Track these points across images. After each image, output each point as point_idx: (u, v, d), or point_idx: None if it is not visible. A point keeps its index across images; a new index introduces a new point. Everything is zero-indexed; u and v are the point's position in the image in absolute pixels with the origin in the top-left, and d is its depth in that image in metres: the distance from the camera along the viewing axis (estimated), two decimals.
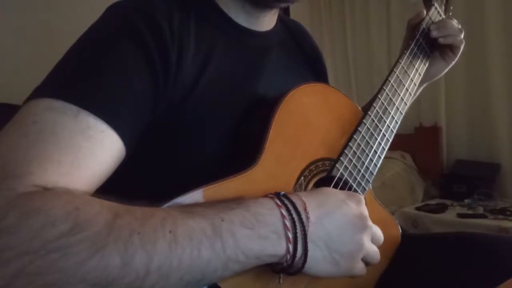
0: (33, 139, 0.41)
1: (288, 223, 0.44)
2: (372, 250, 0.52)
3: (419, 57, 0.73)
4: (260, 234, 0.42)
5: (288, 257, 0.44)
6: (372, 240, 0.52)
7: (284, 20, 0.75)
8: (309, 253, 0.45)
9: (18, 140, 0.41)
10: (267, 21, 0.67)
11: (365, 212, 0.51)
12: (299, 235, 0.44)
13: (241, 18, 0.63)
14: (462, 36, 0.76)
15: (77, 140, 0.43)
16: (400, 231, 0.69)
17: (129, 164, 0.49)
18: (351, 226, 0.49)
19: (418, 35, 0.73)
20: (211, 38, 0.59)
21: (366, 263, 0.52)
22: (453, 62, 0.80)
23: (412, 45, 0.72)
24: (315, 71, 0.78)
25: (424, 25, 0.75)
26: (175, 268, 0.37)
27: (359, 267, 0.50)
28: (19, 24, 1.83)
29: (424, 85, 0.84)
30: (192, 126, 0.55)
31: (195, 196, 0.45)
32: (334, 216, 0.48)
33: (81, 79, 0.47)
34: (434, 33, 0.74)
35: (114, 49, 0.50)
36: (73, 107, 0.44)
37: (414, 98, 0.83)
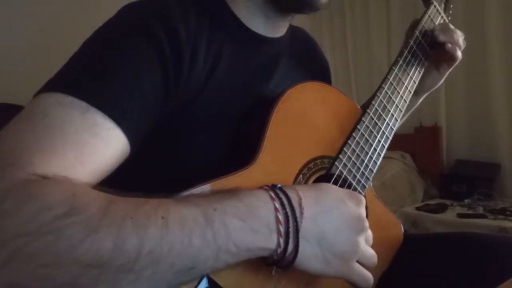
0: (40, 132, 0.42)
1: (281, 217, 0.44)
2: (369, 253, 0.51)
3: (418, 56, 0.72)
4: (252, 226, 0.42)
5: (279, 251, 0.44)
6: (367, 242, 0.52)
7: (293, 28, 0.75)
8: (300, 249, 0.45)
9: (26, 131, 0.42)
10: (281, 27, 0.68)
11: (363, 213, 0.51)
12: (291, 230, 0.44)
13: (256, 22, 0.63)
14: (463, 46, 0.75)
15: (83, 136, 0.44)
16: (403, 230, 0.69)
17: (132, 160, 0.49)
18: (347, 227, 0.49)
19: (417, 33, 0.73)
20: (222, 42, 0.59)
21: (363, 266, 0.51)
22: (446, 73, 0.80)
23: (412, 43, 0.72)
24: (320, 79, 0.78)
25: (423, 23, 0.74)
26: (166, 254, 0.38)
27: (356, 272, 0.50)
28: (19, 25, 1.84)
29: (422, 97, 0.83)
30: (198, 126, 0.56)
31: (204, 190, 0.45)
32: (330, 214, 0.48)
33: (92, 77, 0.48)
34: (441, 38, 0.72)
35: (127, 48, 0.50)
36: (83, 104, 0.45)
37: (413, 109, 0.84)
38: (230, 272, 0.44)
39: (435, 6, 0.77)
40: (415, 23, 0.75)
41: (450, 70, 0.79)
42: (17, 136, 0.42)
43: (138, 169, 0.52)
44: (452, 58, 0.75)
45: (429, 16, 0.75)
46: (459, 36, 0.74)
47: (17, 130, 0.43)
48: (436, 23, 0.77)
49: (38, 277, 0.34)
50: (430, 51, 0.74)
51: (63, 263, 0.35)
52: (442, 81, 0.81)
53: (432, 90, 0.82)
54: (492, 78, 2.45)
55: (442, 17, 0.78)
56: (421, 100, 0.84)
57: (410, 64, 0.71)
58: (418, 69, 0.72)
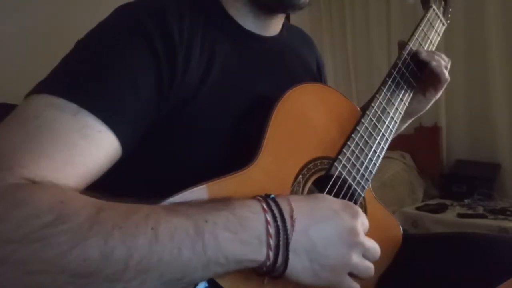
0: (30, 134, 0.42)
1: (271, 230, 0.44)
2: (363, 266, 0.50)
3: (409, 71, 0.71)
4: (241, 239, 0.42)
5: (268, 263, 0.44)
6: (366, 255, 0.51)
7: (290, 27, 0.75)
8: (290, 262, 0.44)
9: (16, 133, 0.42)
10: (274, 26, 0.68)
11: (359, 226, 0.49)
12: (281, 243, 0.44)
13: (248, 22, 0.63)
14: (447, 73, 0.72)
15: (73, 138, 0.44)
16: (402, 231, 0.69)
17: (126, 162, 0.49)
18: (339, 240, 0.48)
19: (416, 36, 0.73)
20: (216, 41, 0.59)
21: (357, 277, 0.50)
22: (433, 99, 0.77)
23: (411, 46, 0.72)
24: (316, 79, 0.78)
25: (422, 26, 0.74)
26: (154, 264, 0.38)
27: (345, 284, 0.49)
28: (19, 25, 1.83)
29: (408, 121, 0.81)
30: (195, 127, 0.55)
31: (199, 191, 0.45)
32: (322, 227, 0.47)
33: (85, 78, 0.48)
34: (424, 55, 0.70)
35: (121, 49, 0.50)
36: (74, 106, 0.45)
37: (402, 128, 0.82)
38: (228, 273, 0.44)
39: (434, 10, 0.77)
40: (403, 44, 0.73)
41: (437, 96, 0.76)
42: (7, 138, 0.42)
43: (133, 171, 0.52)
44: (438, 80, 0.72)
45: (428, 19, 0.75)
46: (445, 60, 0.72)
47: (7, 132, 0.43)
48: (435, 26, 0.77)
49: (25, 284, 0.35)
50: (419, 73, 0.72)
51: (51, 271, 0.35)
52: (428, 107, 0.79)
53: (416, 116, 0.80)
54: (492, 78, 2.44)
55: (441, 20, 0.78)
56: (406, 125, 0.82)
57: (413, 61, 0.71)
58: (408, 91, 0.70)
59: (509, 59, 2.38)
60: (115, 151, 0.47)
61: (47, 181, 0.40)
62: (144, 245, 0.37)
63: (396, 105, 0.68)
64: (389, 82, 0.67)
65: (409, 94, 0.70)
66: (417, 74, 0.71)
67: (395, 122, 0.67)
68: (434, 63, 0.70)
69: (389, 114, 0.67)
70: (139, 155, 0.51)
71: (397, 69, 0.69)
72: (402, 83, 0.69)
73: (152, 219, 0.39)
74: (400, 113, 0.69)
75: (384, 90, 0.66)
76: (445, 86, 0.74)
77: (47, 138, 0.42)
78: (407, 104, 0.70)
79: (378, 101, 0.65)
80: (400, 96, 0.69)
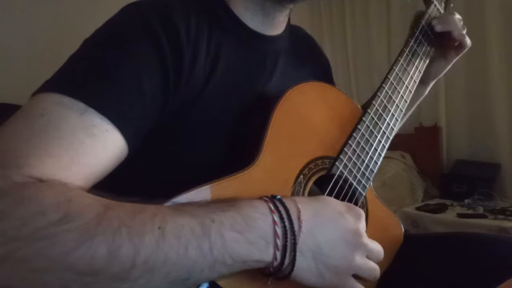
0: (37, 132, 0.42)
1: (279, 231, 0.43)
2: (367, 267, 0.50)
3: (418, 55, 0.72)
4: (248, 239, 0.42)
5: (275, 264, 0.43)
6: (369, 256, 0.51)
7: (293, 27, 0.75)
8: (296, 263, 0.44)
9: (23, 131, 0.42)
10: (280, 24, 0.67)
11: (362, 228, 0.50)
12: (289, 244, 0.44)
13: (255, 20, 0.63)
14: (464, 31, 0.76)
15: (79, 137, 0.43)
16: (403, 230, 0.69)
17: (130, 162, 0.49)
18: (343, 241, 0.48)
19: (417, 33, 0.73)
20: (221, 42, 0.59)
21: (362, 279, 0.51)
22: (454, 61, 0.81)
23: (412, 43, 0.72)
24: (321, 76, 0.77)
25: (423, 22, 0.75)
26: (161, 264, 0.38)
27: (350, 284, 0.49)
28: (20, 25, 1.83)
29: (430, 85, 0.84)
30: (198, 127, 0.55)
31: (203, 192, 0.45)
32: (327, 228, 0.47)
33: (92, 77, 0.47)
34: (438, 27, 0.74)
35: (128, 48, 0.50)
36: (81, 105, 0.45)
37: (421, 99, 0.85)
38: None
39: (435, 6, 0.77)
40: (420, 15, 0.76)
41: (458, 57, 0.80)
42: (14, 136, 0.42)
43: (137, 171, 0.52)
44: (460, 45, 0.77)
45: (429, 15, 0.76)
46: (455, 21, 0.75)
47: (13, 130, 0.43)
48: None
49: (29, 281, 0.34)
50: (434, 40, 0.76)
51: (55, 269, 0.34)
52: (448, 68, 0.82)
53: (438, 77, 0.83)
54: (492, 78, 2.44)
55: (443, 13, 0.79)
56: (428, 88, 0.85)
57: (415, 55, 0.72)
58: (423, 59, 0.74)
59: (509, 59, 2.38)
60: (121, 150, 0.47)
61: (55, 180, 0.40)
62: (151, 243, 0.37)
63: (396, 102, 0.68)
64: (391, 80, 0.67)
65: (410, 92, 0.71)
66: (427, 49, 0.75)
67: (396, 119, 0.67)
68: (455, 33, 0.74)
69: (390, 111, 0.66)
70: (142, 154, 0.51)
71: (398, 66, 0.69)
72: (402, 80, 0.69)
73: (159, 218, 0.39)
74: (401, 110, 0.68)
75: (386, 88, 0.66)
76: (466, 49, 0.78)
77: (54, 137, 0.42)
78: (408, 101, 0.70)
79: (379, 99, 0.65)
80: (401, 93, 0.69)
